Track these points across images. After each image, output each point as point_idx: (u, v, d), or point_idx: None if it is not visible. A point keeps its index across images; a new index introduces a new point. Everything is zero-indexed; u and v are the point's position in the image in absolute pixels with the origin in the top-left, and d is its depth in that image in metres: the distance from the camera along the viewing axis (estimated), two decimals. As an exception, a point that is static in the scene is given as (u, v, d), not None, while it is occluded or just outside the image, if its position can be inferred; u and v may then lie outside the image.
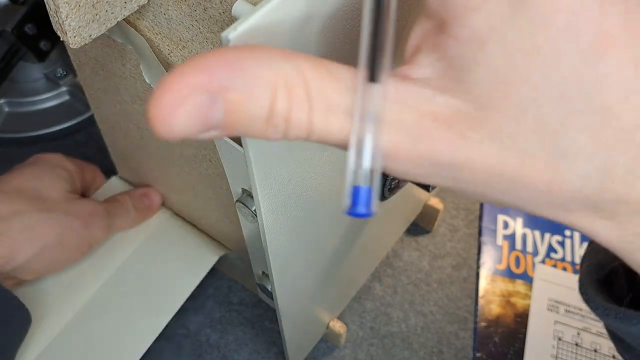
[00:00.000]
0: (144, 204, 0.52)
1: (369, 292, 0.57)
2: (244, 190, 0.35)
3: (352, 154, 0.18)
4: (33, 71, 0.65)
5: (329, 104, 0.18)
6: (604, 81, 0.16)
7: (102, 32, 0.29)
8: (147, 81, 0.34)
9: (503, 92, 0.17)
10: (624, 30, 0.16)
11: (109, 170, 0.54)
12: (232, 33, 0.20)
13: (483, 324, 0.55)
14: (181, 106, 0.17)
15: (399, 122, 0.18)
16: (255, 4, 0.23)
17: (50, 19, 0.27)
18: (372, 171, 0.18)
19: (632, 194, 0.17)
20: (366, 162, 0.18)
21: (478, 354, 0.53)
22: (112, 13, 0.29)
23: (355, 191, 0.19)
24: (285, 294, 0.40)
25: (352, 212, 0.19)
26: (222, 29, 0.20)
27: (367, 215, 0.19)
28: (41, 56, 0.63)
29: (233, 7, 0.24)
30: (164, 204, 0.54)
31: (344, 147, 0.18)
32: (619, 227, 0.18)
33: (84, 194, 0.52)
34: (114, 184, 0.54)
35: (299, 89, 0.17)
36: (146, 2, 0.30)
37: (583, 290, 0.24)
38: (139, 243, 0.51)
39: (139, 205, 0.51)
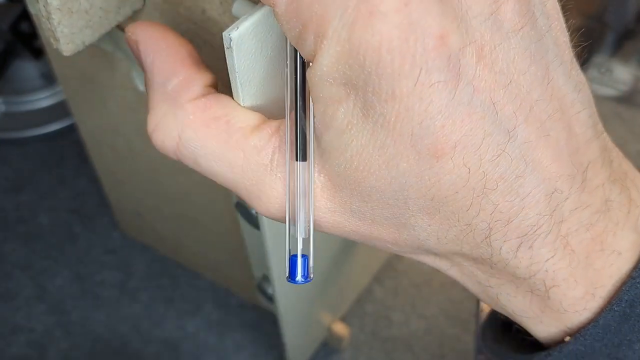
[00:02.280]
0: None
1: (370, 295, 0.57)
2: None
3: (288, 226, 0.21)
4: (29, 69, 0.65)
5: None
6: (440, 179, 0.19)
7: (95, 39, 0.28)
8: (140, 89, 0.34)
9: (353, 178, 0.20)
10: (461, 140, 0.19)
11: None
12: (234, 32, 0.20)
13: (485, 326, 0.54)
14: None
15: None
16: (256, 3, 0.23)
17: (42, 26, 0.26)
18: (307, 240, 0.21)
19: (463, 250, 0.21)
20: (301, 233, 0.21)
21: (480, 357, 0.52)
22: (106, 19, 0.28)
23: (293, 261, 0.22)
24: (286, 296, 0.40)
25: (291, 280, 0.22)
26: (222, 30, 0.20)
27: (305, 282, 0.22)
28: (37, 54, 0.63)
29: (233, 7, 0.24)
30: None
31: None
32: (457, 268, 0.22)
33: None
34: None
35: None
36: (141, 7, 0.29)
37: (482, 334, 0.26)
38: None
39: None
